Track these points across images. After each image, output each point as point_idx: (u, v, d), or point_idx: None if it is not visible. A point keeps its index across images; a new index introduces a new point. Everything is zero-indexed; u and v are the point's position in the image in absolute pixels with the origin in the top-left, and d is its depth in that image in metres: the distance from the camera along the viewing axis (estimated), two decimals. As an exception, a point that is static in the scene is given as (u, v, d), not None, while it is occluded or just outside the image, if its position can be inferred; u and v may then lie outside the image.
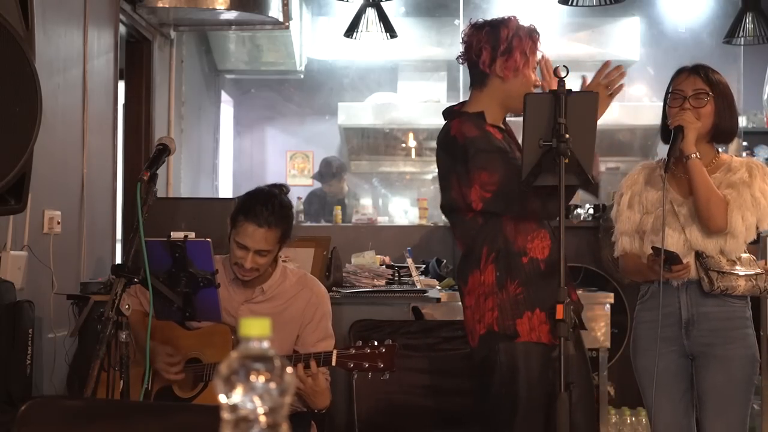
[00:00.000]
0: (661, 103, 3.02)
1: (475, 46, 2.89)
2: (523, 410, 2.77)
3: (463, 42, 2.94)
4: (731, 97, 2.95)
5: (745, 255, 2.91)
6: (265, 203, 2.99)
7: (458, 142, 2.83)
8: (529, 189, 2.76)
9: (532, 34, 2.90)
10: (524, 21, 2.92)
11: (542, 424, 2.78)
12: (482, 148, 2.80)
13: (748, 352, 2.87)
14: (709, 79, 2.90)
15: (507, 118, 3.01)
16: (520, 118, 2.66)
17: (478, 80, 2.92)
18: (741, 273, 2.86)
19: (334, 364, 2.73)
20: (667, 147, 2.96)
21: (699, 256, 2.86)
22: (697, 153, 2.85)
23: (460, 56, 2.96)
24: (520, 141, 2.79)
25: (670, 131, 2.92)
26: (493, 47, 2.85)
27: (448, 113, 2.97)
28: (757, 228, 2.90)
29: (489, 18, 2.96)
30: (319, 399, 2.94)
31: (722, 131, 2.94)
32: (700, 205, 2.84)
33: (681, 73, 2.95)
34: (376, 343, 2.71)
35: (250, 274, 3.03)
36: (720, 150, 3.06)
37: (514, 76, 2.85)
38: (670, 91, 2.95)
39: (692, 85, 2.90)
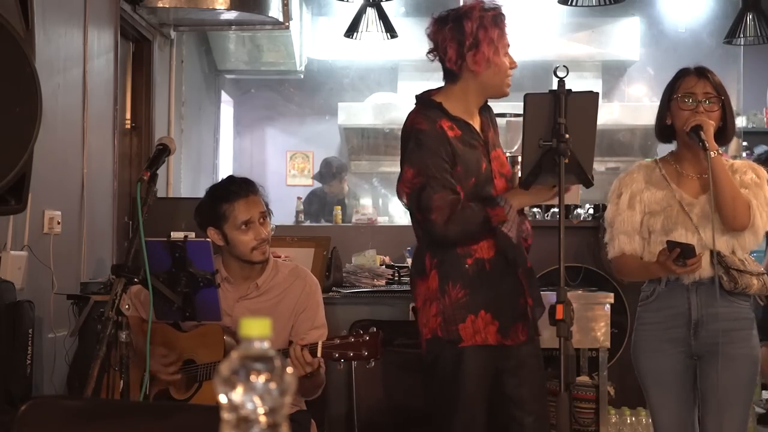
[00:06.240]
0: (662, 103, 3.01)
1: (440, 45, 2.82)
2: (462, 412, 2.76)
3: (429, 38, 2.86)
4: (729, 98, 2.96)
5: (748, 255, 2.91)
6: (232, 181, 3.13)
7: (406, 130, 2.82)
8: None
9: (497, 20, 2.79)
10: (488, 3, 2.81)
11: (482, 428, 2.78)
12: (423, 144, 2.76)
13: (752, 353, 2.87)
14: (715, 83, 2.89)
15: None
16: (521, 119, 2.66)
17: (450, 75, 2.86)
18: (754, 272, 2.87)
19: (319, 355, 2.72)
20: (666, 146, 3.00)
21: (717, 254, 2.82)
22: (719, 150, 2.82)
23: (429, 53, 2.87)
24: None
25: (668, 130, 2.93)
26: (459, 43, 2.78)
27: (417, 97, 2.92)
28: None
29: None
30: (313, 390, 2.96)
31: (726, 134, 2.93)
32: (725, 203, 2.80)
33: (688, 75, 2.91)
34: (361, 332, 2.70)
35: (265, 247, 3.05)
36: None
37: (486, 68, 2.79)
38: (679, 95, 2.90)
39: (702, 89, 2.88)
